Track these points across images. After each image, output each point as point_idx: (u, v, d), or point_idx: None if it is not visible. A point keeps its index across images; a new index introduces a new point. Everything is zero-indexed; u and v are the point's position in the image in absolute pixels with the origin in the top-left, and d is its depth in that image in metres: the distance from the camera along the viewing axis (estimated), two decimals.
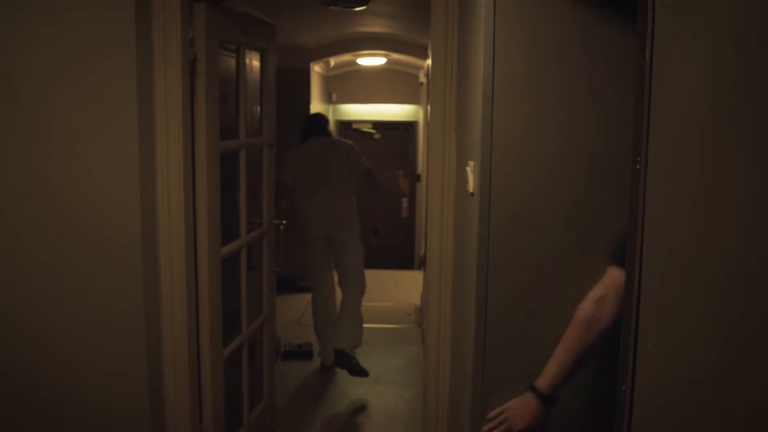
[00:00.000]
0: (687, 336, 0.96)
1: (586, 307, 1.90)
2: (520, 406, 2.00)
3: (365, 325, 5.35)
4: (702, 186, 0.92)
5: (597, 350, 1.91)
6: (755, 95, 0.80)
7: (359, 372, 5.06)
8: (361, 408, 4.89)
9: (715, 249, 0.88)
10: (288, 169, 5.30)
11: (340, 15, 5.96)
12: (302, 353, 5.76)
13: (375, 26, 6.97)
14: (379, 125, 10.49)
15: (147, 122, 2.73)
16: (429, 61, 3.70)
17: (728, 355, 0.86)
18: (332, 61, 8.75)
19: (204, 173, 2.96)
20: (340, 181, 5.25)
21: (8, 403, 2.81)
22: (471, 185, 2.27)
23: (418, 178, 9.96)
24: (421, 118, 9.88)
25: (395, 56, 8.29)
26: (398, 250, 10.02)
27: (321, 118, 5.66)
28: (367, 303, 5.37)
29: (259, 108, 3.90)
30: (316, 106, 8.28)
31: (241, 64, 3.41)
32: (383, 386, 5.10)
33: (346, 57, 8.47)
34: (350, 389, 5.10)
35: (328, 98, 9.82)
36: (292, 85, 7.54)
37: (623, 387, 1.10)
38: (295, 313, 6.96)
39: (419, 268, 8.55)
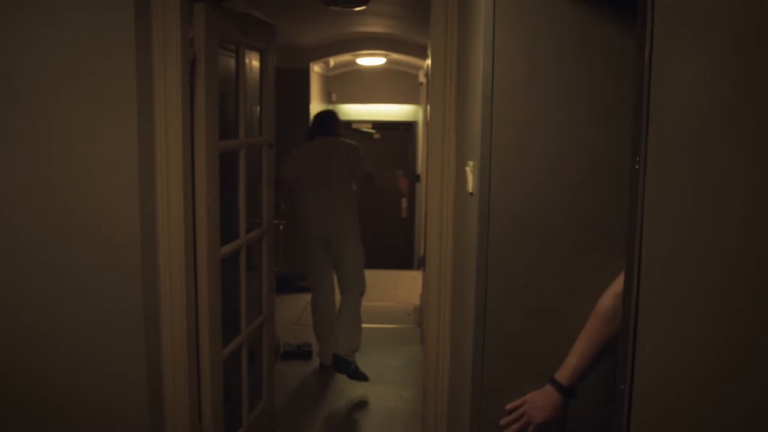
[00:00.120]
0: (686, 336, 0.96)
1: (606, 301, 1.89)
2: (540, 399, 1.99)
3: (365, 326, 5.34)
4: (701, 186, 0.92)
5: (616, 344, 1.91)
6: (754, 95, 0.80)
7: (358, 376, 5.05)
8: (360, 408, 4.90)
9: (714, 249, 0.88)
10: (288, 167, 5.28)
11: (340, 15, 5.96)
12: (301, 353, 5.76)
13: (375, 26, 6.97)
14: (378, 125, 10.49)
15: (146, 122, 2.73)
16: (428, 61, 3.70)
17: (727, 355, 0.86)
18: (332, 61, 8.75)
19: (203, 173, 2.96)
20: (340, 182, 5.21)
21: (8, 403, 2.81)
22: (470, 185, 2.27)
23: (417, 178, 9.96)
24: (420, 118, 9.88)
25: (395, 56, 8.30)
26: (398, 250, 10.03)
27: (327, 117, 5.56)
28: (366, 303, 5.36)
29: (258, 108, 3.90)
30: (315, 106, 8.28)
31: (240, 64, 3.41)
32: (382, 386, 5.10)
33: (345, 57, 8.47)
34: (349, 389, 5.10)
35: (328, 98, 9.82)
36: (291, 85, 7.54)
37: (622, 387, 1.10)
38: (294, 313, 6.96)
39: (419, 268, 8.55)
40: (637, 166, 1.05)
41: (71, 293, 2.75)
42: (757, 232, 0.79)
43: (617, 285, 1.89)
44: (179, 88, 2.79)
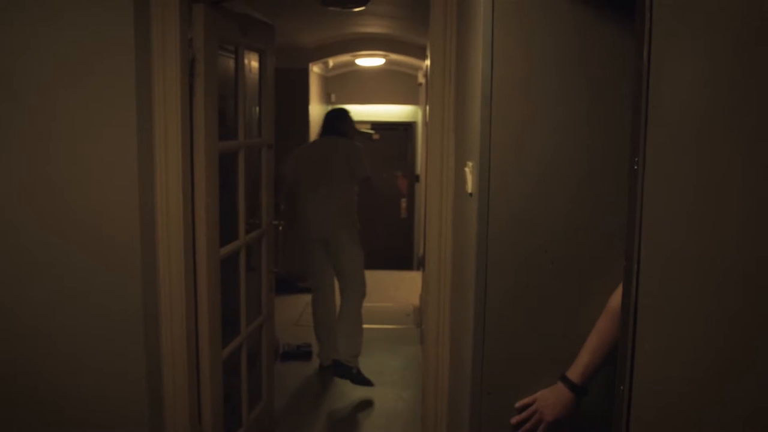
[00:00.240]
0: (685, 336, 0.96)
1: (617, 299, 1.88)
2: (551, 397, 1.99)
3: (364, 326, 5.30)
4: (700, 185, 0.92)
5: None
6: (754, 94, 0.80)
7: (361, 381, 5.02)
8: (359, 408, 4.90)
9: (714, 249, 0.88)
10: (288, 165, 5.26)
11: (339, 15, 5.96)
12: (301, 354, 5.76)
13: (374, 27, 6.97)
14: (377, 126, 10.49)
15: (146, 122, 2.73)
16: (428, 62, 3.70)
17: (727, 355, 0.86)
18: (331, 62, 8.76)
19: (203, 174, 2.96)
20: (340, 183, 5.14)
21: (8, 403, 2.81)
22: (470, 185, 2.27)
23: (416, 178, 9.96)
24: (419, 119, 9.88)
25: (394, 57, 8.30)
26: (397, 251, 10.03)
27: (334, 116, 5.47)
28: (366, 303, 5.34)
29: (257, 109, 3.90)
30: (315, 107, 8.29)
31: (239, 64, 3.41)
32: (382, 387, 5.10)
33: (344, 57, 8.47)
34: (349, 390, 5.09)
35: (327, 99, 9.82)
36: (291, 86, 7.54)
37: (621, 387, 1.10)
38: (293, 313, 6.96)
39: (418, 269, 8.55)
40: (636, 167, 1.06)
41: (71, 293, 2.75)
42: (757, 232, 0.79)
43: None
44: (178, 89, 2.79)
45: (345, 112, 5.50)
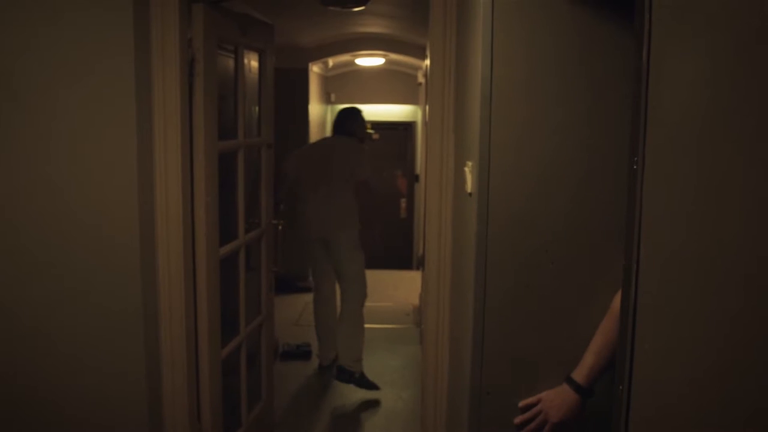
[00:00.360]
0: (685, 336, 0.96)
1: (620, 299, 1.88)
2: (556, 398, 1.98)
3: (365, 326, 5.30)
4: (700, 185, 0.92)
5: None
6: (754, 94, 0.80)
7: (366, 385, 4.99)
8: (359, 408, 4.90)
9: (714, 249, 0.88)
10: (291, 162, 5.24)
11: (339, 15, 5.96)
12: (300, 353, 5.76)
13: (373, 26, 6.97)
14: (377, 125, 10.49)
15: (145, 122, 2.73)
16: (427, 62, 3.70)
17: (726, 355, 0.86)
18: (331, 62, 8.76)
19: (202, 173, 2.96)
20: (341, 183, 5.09)
21: (8, 403, 2.81)
22: (469, 185, 2.27)
23: (416, 178, 9.96)
24: (419, 119, 9.88)
25: (394, 56, 8.30)
26: (397, 250, 10.02)
27: (343, 115, 5.41)
28: (366, 303, 5.33)
29: (257, 108, 3.90)
30: (314, 107, 8.29)
31: (239, 64, 3.41)
32: (382, 386, 5.10)
33: (344, 57, 8.47)
34: (349, 390, 5.09)
35: (327, 98, 9.82)
36: (290, 86, 7.54)
37: (620, 387, 1.10)
38: (293, 313, 6.96)
39: (418, 269, 8.55)
40: (635, 167, 1.06)
41: (71, 293, 2.75)
42: (757, 232, 0.79)
43: None
44: (178, 89, 2.79)
45: (355, 112, 5.42)
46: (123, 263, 2.73)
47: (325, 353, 5.52)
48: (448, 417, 2.98)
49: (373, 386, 5.02)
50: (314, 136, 8.18)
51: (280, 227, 4.12)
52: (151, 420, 2.86)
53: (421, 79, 8.19)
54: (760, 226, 0.79)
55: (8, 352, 2.78)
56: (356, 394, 5.04)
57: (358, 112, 5.44)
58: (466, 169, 2.33)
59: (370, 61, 8.68)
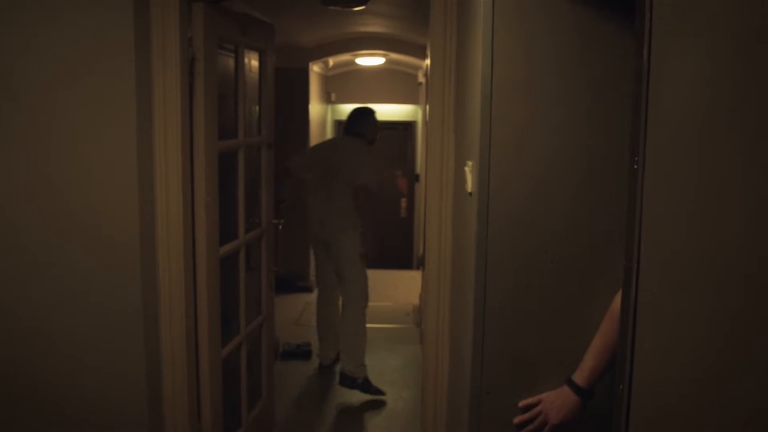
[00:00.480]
0: (685, 336, 0.96)
1: (620, 301, 1.88)
2: (557, 400, 1.98)
3: (366, 328, 5.23)
4: (701, 185, 0.92)
5: None
6: (754, 93, 0.80)
7: (369, 391, 4.96)
8: (359, 408, 4.90)
9: (714, 248, 0.88)
10: (295, 160, 5.23)
11: (339, 15, 5.96)
12: (301, 353, 5.76)
13: (374, 26, 6.97)
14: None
15: (145, 122, 2.73)
16: (428, 61, 3.70)
17: (727, 355, 0.86)
18: (331, 61, 8.76)
19: (202, 173, 2.96)
20: (342, 186, 4.99)
21: (8, 403, 2.81)
22: (469, 185, 2.27)
23: (416, 177, 9.96)
24: (419, 118, 9.89)
25: (394, 56, 8.30)
26: (397, 250, 10.03)
27: (354, 115, 5.29)
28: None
29: (257, 108, 3.90)
30: (315, 106, 8.28)
31: (239, 63, 3.41)
32: (382, 386, 5.09)
33: (344, 57, 8.47)
34: (349, 390, 5.09)
35: (327, 98, 9.82)
36: (290, 85, 7.54)
37: (620, 387, 1.10)
38: (293, 312, 6.96)
39: (418, 268, 8.55)
40: (635, 166, 1.06)
41: (71, 293, 2.75)
42: (758, 232, 0.79)
43: None
44: (178, 88, 2.79)
45: (366, 113, 5.30)
46: (123, 263, 2.73)
47: (325, 353, 5.52)
48: (448, 417, 2.97)
49: (377, 392, 4.98)
50: (314, 135, 8.18)
51: (280, 227, 4.11)
52: (151, 420, 2.86)
53: (421, 78, 8.20)
54: (760, 225, 0.79)
55: (8, 352, 2.78)
56: (356, 394, 5.03)
57: (369, 112, 5.31)
58: (467, 169, 2.33)
59: (370, 60, 8.68)
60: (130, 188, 2.69)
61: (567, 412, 1.96)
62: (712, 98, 0.90)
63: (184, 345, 2.95)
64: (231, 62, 3.48)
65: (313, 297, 7.42)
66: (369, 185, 5.00)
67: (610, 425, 1.17)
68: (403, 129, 10.65)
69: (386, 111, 10.44)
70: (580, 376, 1.94)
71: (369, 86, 10.27)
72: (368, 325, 5.14)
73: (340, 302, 5.31)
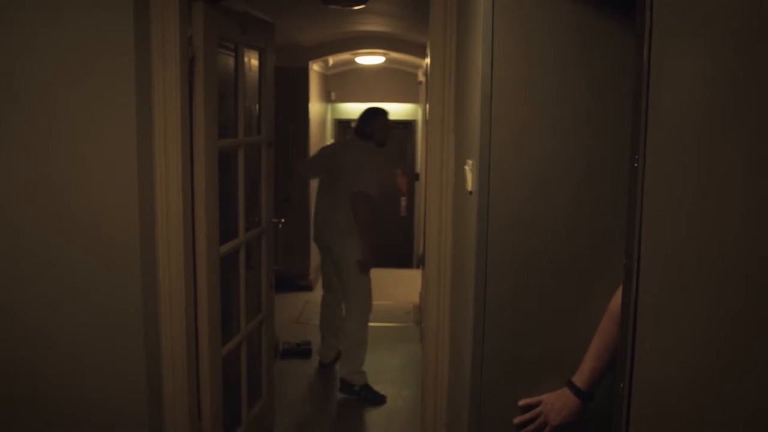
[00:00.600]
0: (685, 336, 0.96)
1: (618, 302, 1.87)
2: (557, 401, 1.98)
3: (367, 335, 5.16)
4: (701, 184, 0.92)
5: None
6: (754, 93, 0.80)
7: (369, 399, 4.93)
8: (359, 407, 4.90)
9: (714, 248, 0.88)
10: (310, 159, 5.23)
11: (339, 14, 5.95)
12: (301, 352, 5.77)
13: (374, 25, 6.97)
14: None
15: (145, 122, 2.73)
16: (428, 60, 3.70)
17: (727, 355, 0.86)
18: (331, 60, 8.75)
19: (202, 172, 2.96)
20: (344, 190, 4.91)
21: (8, 403, 2.81)
22: (469, 184, 2.27)
23: (416, 176, 9.96)
24: (419, 117, 9.88)
25: (394, 55, 8.29)
26: (397, 249, 10.03)
27: (363, 116, 5.17)
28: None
29: (257, 107, 3.90)
30: (314, 105, 8.28)
31: (239, 62, 3.41)
32: (382, 385, 5.10)
33: (344, 56, 8.47)
34: None
35: (327, 97, 9.82)
36: (290, 84, 7.54)
37: (621, 385, 1.10)
38: (293, 311, 6.96)
39: (418, 267, 8.55)
40: (635, 165, 1.06)
41: (71, 293, 2.75)
42: (758, 231, 0.79)
43: None
44: (178, 87, 2.79)
45: (375, 114, 5.17)
46: (123, 263, 2.73)
47: (326, 352, 5.53)
48: (448, 416, 2.98)
49: (376, 399, 4.93)
50: (314, 134, 8.18)
51: (280, 225, 4.11)
52: (152, 419, 2.86)
53: (421, 77, 8.19)
54: (760, 225, 0.78)
55: (8, 352, 2.78)
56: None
57: (379, 113, 5.17)
58: (467, 168, 2.33)
59: (370, 59, 8.68)
60: (130, 188, 2.69)
61: (567, 413, 1.96)
62: (712, 98, 0.90)
63: (184, 344, 2.95)
64: (231, 61, 3.47)
65: (313, 296, 7.43)
66: (368, 192, 4.86)
67: (610, 427, 1.17)
68: (403, 128, 10.65)
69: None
70: (580, 378, 1.94)
71: (369, 85, 10.27)
72: (369, 324, 5.13)
73: (343, 305, 5.30)
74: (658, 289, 1.03)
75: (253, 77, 3.82)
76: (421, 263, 6.01)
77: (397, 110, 10.46)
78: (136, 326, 2.77)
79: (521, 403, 2.06)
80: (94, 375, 2.80)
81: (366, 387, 4.97)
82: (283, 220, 4.17)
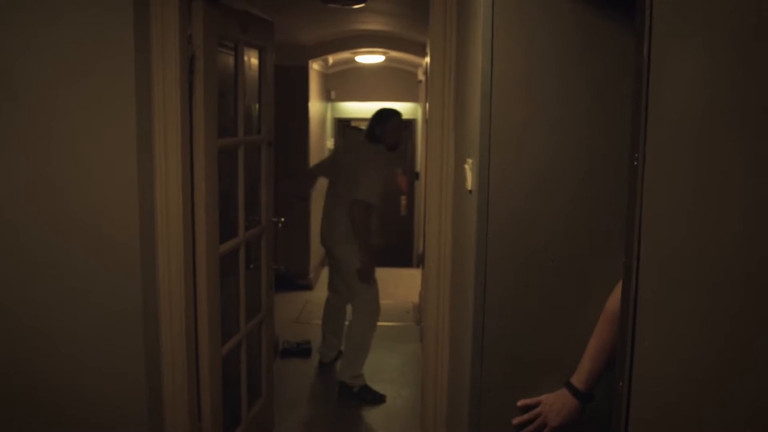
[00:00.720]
0: (685, 334, 0.96)
1: (613, 303, 1.87)
2: (556, 402, 1.98)
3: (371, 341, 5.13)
4: (700, 183, 0.92)
5: None
6: (754, 92, 0.80)
7: (368, 399, 4.92)
8: (359, 406, 4.90)
9: (714, 247, 0.88)
10: (322, 161, 5.20)
11: (339, 12, 5.95)
12: (300, 351, 5.77)
13: (374, 24, 6.97)
14: None
15: (145, 121, 2.73)
16: (427, 59, 3.70)
17: (726, 354, 0.86)
18: (331, 59, 8.75)
19: (202, 172, 2.96)
20: (346, 195, 4.84)
21: (8, 403, 2.81)
22: (469, 183, 2.27)
23: (416, 175, 9.96)
24: (419, 116, 9.88)
25: (394, 54, 8.29)
26: (396, 248, 10.02)
27: (374, 118, 5.01)
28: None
29: (257, 106, 3.90)
30: (314, 104, 8.28)
31: (239, 61, 3.41)
32: (381, 384, 5.10)
33: (344, 55, 8.47)
34: None
35: (327, 96, 9.81)
36: (290, 83, 7.54)
37: (620, 384, 1.10)
38: (293, 310, 6.96)
39: (418, 266, 8.55)
40: (635, 163, 1.06)
41: (71, 293, 2.75)
42: (757, 230, 0.79)
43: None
44: (178, 87, 2.79)
45: (386, 115, 5.02)
46: (123, 263, 2.73)
47: (326, 351, 5.53)
48: (448, 415, 2.98)
49: (374, 399, 4.93)
50: (314, 133, 8.18)
51: (280, 225, 4.11)
52: (151, 419, 2.86)
53: (421, 76, 8.19)
54: (759, 224, 0.79)
55: (8, 352, 2.78)
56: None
57: (390, 115, 5.01)
58: (466, 167, 2.33)
59: (370, 58, 8.68)
60: (130, 188, 2.69)
61: (566, 414, 1.96)
62: (712, 97, 0.90)
63: (184, 344, 2.95)
64: (231, 60, 3.47)
65: (312, 295, 7.44)
66: (367, 201, 4.75)
67: (610, 427, 1.17)
68: (402, 127, 10.63)
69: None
70: (578, 379, 1.95)
71: (369, 84, 10.27)
72: (374, 330, 5.10)
73: (347, 309, 5.28)
74: (657, 287, 1.03)
75: (253, 76, 3.81)
76: (420, 262, 6.00)
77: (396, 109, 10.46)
78: (135, 326, 2.77)
79: (520, 403, 2.06)
80: (94, 375, 2.80)
81: (365, 387, 4.97)
82: (283, 219, 4.17)
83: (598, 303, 1.96)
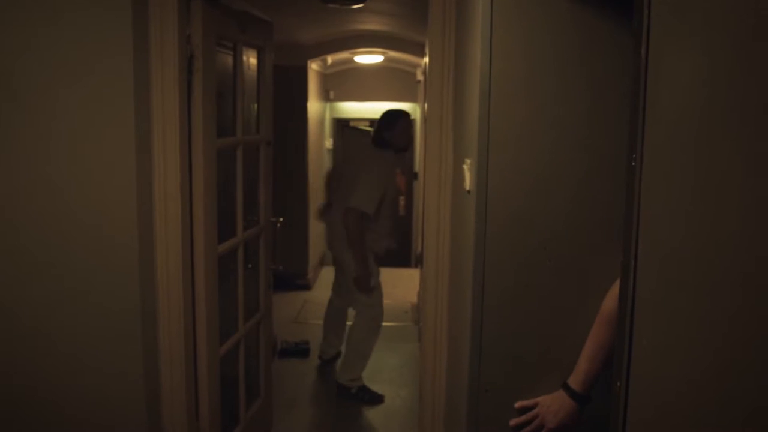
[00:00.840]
0: (683, 334, 0.96)
1: (609, 304, 1.88)
2: (554, 404, 1.99)
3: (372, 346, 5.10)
4: (698, 183, 0.92)
5: None
6: (751, 91, 0.80)
7: (366, 399, 4.92)
8: (357, 406, 4.90)
9: (712, 247, 0.88)
10: (331, 171, 5.24)
11: (338, 13, 5.95)
12: (299, 351, 5.76)
13: (372, 24, 6.97)
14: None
15: (144, 121, 2.73)
16: (426, 59, 3.70)
17: (725, 353, 0.86)
18: (330, 59, 8.74)
19: (201, 172, 2.96)
20: (343, 202, 4.80)
21: (8, 403, 2.81)
22: (468, 183, 2.27)
23: (415, 175, 9.95)
24: (418, 116, 9.87)
25: (393, 54, 8.29)
26: (395, 248, 10.00)
27: (381, 122, 4.86)
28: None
29: (256, 106, 3.90)
30: (313, 104, 8.28)
31: (238, 61, 3.41)
32: (380, 384, 5.10)
33: (343, 55, 8.46)
34: None
35: (326, 96, 9.81)
36: (289, 83, 7.54)
37: (618, 383, 1.11)
38: (292, 310, 6.96)
39: (416, 266, 8.54)
40: (633, 163, 1.06)
41: (71, 293, 2.75)
42: (756, 230, 0.79)
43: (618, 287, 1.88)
44: (176, 87, 2.79)
45: (395, 117, 4.87)
46: (123, 263, 2.73)
47: (326, 349, 5.53)
48: (446, 415, 2.98)
49: (372, 399, 4.93)
50: (313, 133, 8.18)
51: (278, 225, 4.11)
52: (150, 419, 2.86)
53: (420, 76, 8.19)
54: (758, 224, 0.79)
55: (8, 352, 2.78)
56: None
57: (397, 116, 4.86)
58: (465, 167, 2.33)
59: (369, 58, 8.67)
60: (130, 188, 2.69)
61: (564, 416, 1.96)
62: (710, 97, 0.90)
63: (182, 343, 2.95)
64: (229, 60, 3.47)
65: (311, 295, 7.44)
66: (361, 209, 4.64)
67: (607, 428, 1.17)
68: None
69: (385, 109, 10.43)
70: (575, 381, 1.95)
71: (368, 84, 10.26)
72: (376, 336, 5.09)
73: (350, 311, 5.27)
74: (655, 287, 1.03)
75: (252, 76, 3.81)
76: (419, 262, 6.00)
77: None
78: (134, 326, 2.77)
79: (517, 405, 2.06)
80: (93, 375, 2.80)
81: (363, 388, 4.97)
82: (281, 219, 4.17)
83: (597, 303, 1.97)
